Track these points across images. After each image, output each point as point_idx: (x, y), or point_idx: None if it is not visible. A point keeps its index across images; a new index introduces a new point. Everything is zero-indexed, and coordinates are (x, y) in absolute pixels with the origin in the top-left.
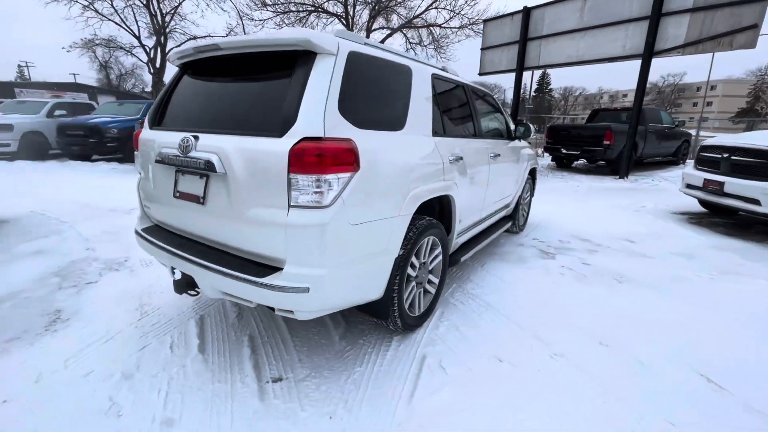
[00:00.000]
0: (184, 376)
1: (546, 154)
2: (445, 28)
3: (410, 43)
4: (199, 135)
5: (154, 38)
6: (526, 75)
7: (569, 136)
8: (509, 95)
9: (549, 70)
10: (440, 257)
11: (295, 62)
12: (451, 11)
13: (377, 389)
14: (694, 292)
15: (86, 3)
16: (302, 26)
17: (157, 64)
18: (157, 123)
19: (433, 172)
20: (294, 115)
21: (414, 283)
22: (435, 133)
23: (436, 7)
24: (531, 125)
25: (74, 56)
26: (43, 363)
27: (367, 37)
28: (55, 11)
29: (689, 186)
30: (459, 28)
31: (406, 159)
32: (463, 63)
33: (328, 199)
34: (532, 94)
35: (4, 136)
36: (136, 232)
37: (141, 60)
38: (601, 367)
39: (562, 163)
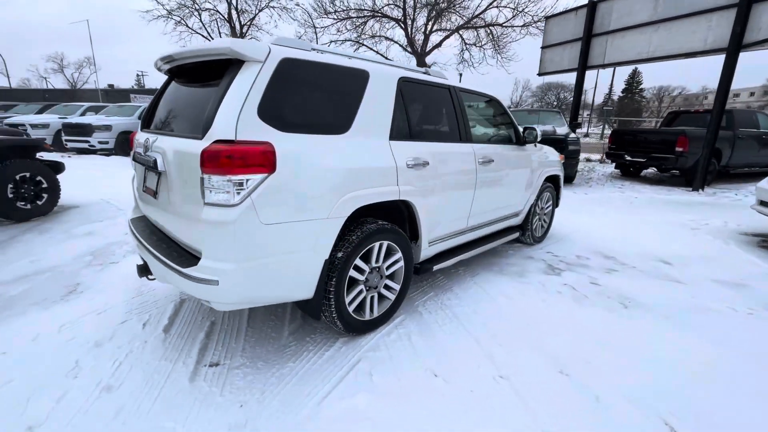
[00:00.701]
0: (141, 351)
1: (609, 161)
2: (506, 27)
3: (466, 44)
4: (158, 136)
5: None
6: (606, 74)
7: (635, 142)
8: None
9: (640, 68)
10: (401, 264)
11: (226, 69)
12: (513, 9)
13: (297, 386)
14: (716, 328)
15: (178, 19)
16: (361, 31)
17: None
18: (146, 125)
19: (379, 176)
20: (212, 119)
21: (362, 287)
22: (394, 137)
23: (497, 6)
24: (537, 129)
25: None
26: (45, 326)
27: (426, 40)
28: (156, 27)
29: (763, 203)
30: (523, 26)
31: (341, 162)
32: (526, 63)
33: (236, 199)
34: (619, 94)
35: (104, 136)
36: (128, 221)
37: None
38: (545, 397)
39: (628, 172)
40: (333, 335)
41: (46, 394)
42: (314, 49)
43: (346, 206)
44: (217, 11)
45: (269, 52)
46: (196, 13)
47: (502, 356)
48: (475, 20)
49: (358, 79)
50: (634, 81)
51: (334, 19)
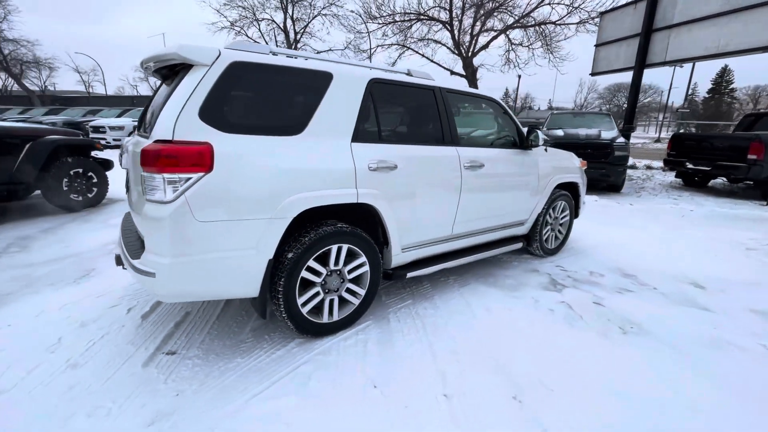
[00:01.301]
0: (116, 334)
1: (668, 169)
2: (560, 25)
3: (512, 44)
4: (133, 137)
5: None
6: (683, 72)
7: (699, 147)
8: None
9: (732, 66)
10: (365, 268)
11: (179, 72)
12: (568, 5)
13: (236, 382)
14: (731, 368)
15: (238, 29)
16: (407, 35)
17: None
18: (138, 127)
19: (333, 178)
20: (157, 120)
21: (319, 290)
22: (359, 139)
23: (549, 3)
24: (540, 132)
25: None
26: (51, 304)
27: (472, 40)
28: (221, 37)
29: None
30: (578, 23)
31: (289, 164)
32: (583, 62)
33: (169, 196)
34: (704, 95)
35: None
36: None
37: None
38: (483, 423)
39: (692, 182)
40: (291, 336)
41: (22, 365)
42: (273, 53)
43: (292, 207)
44: (274, 21)
45: (218, 56)
46: (255, 24)
47: (455, 374)
48: (524, 19)
49: (319, 81)
50: (723, 80)
51: (379, 23)
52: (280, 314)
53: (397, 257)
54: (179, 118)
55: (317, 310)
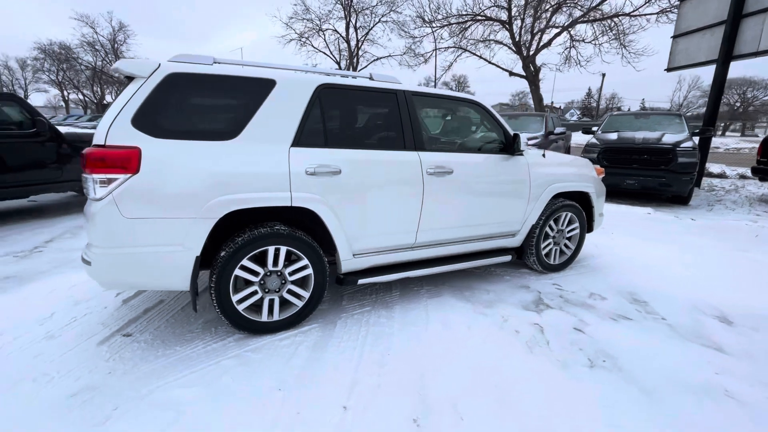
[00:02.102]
0: (96, 314)
1: (756, 178)
2: (636, 17)
3: (574, 40)
4: None
5: (346, 61)
6: None
7: None
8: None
9: None
10: (309, 271)
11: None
12: None
13: (162, 367)
14: (714, 421)
15: (303, 40)
16: (462, 36)
17: None
18: None
19: (265, 182)
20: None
21: (257, 289)
22: (301, 144)
23: None
24: (522, 136)
25: None
26: (65, 284)
27: (532, 39)
28: (289, 48)
29: None
30: (659, 13)
31: (218, 167)
32: (662, 56)
33: (99, 194)
34: None
35: None
36: None
37: None
38: None
39: None
40: (233, 331)
41: (15, 332)
42: (217, 62)
43: (218, 208)
44: (336, 31)
45: (156, 68)
46: (321, 34)
47: (367, 387)
48: (593, 12)
49: (259, 88)
50: None
51: (433, 27)
52: (215, 308)
53: (349, 262)
54: (112, 125)
55: (257, 308)
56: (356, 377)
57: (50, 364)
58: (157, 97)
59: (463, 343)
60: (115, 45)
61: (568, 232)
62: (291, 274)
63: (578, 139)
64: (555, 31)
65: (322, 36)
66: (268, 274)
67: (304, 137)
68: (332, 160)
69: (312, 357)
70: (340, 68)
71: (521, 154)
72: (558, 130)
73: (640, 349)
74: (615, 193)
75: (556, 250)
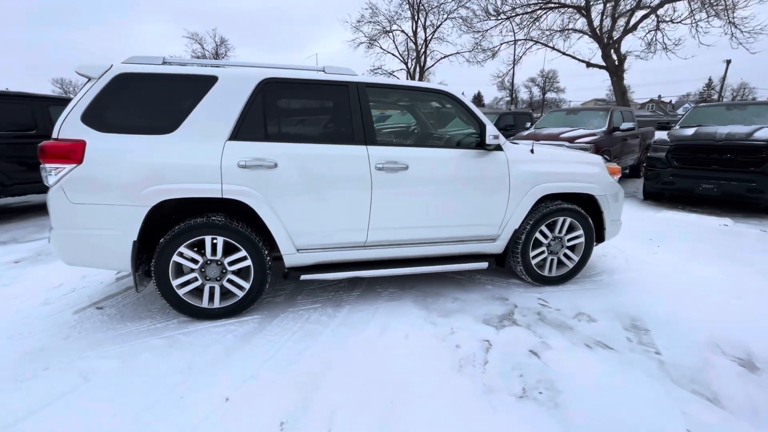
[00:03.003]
0: (92, 288)
1: None
2: None
3: (661, 21)
4: None
5: (413, 61)
6: None
7: None
8: None
9: None
10: (247, 263)
11: None
12: None
13: (104, 340)
14: None
15: (369, 43)
16: (531, 29)
17: None
18: None
19: (198, 174)
20: None
21: (196, 275)
22: (238, 137)
23: None
24: (487, 127)
25: None
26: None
27: (613, 24)
28: (360, 51)
29: None
30: None
31: (153, 159)
32: None
33: (51, 181)
34: None
35: None
36: None
37: None
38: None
39: None
40: (181, 314)
41: (25, 297)
42: (166, 62)
43: (151, 197)
44: (403, 31)
45: (107, 70)
46: (389, 35)
47: (260, 383)
48: None
49: (200, 85)
50: None
51: (499, 19)
52: (163, 292)
53: (293, 257)
54: (64, 121)
55: (200, 294)
56: (258, 371)
57: (30, 325)
58: (105, 95)
59: (387, 351)
60: (217, 58)
61: (569, 240)
62: (230, 264)
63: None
64: (642, 12)
65: (391, 37)
66: (208, 262)
67: (243, 131)
68: (267, 154)
69: (233, 346)
70: (407, 69)
71: (499, 149)
72: (625, 125)
73: (599, 385)
74: (688, 200)
75: (552, 260)
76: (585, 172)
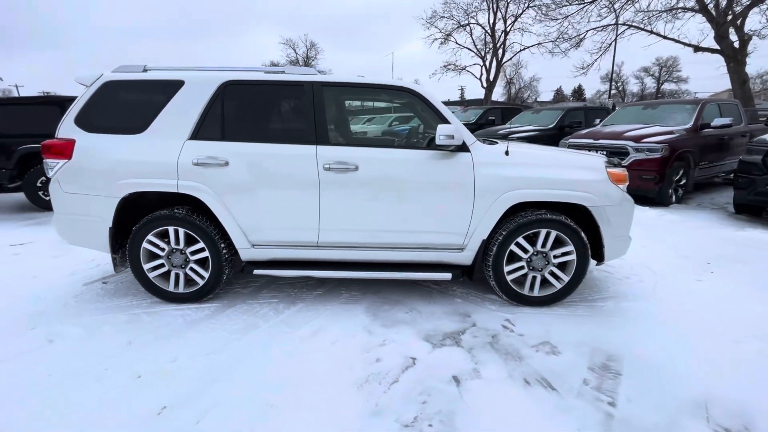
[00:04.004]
0: (104, 267)
1: None
2: None
3: None
4: None
5: (490, 54)
6: None
7: None
8: None
9: None
10: (206, 253)
11: None
12: None
13: (87, 313)
14: None
15: (443, 38)
16: (632, 7)
17: (491, 77)
18: None
19: (158, 170)
20: None
21: (164, 261)
22: (197, 137)
23: None
24: (440, 130)
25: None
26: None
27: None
28: (435, 47)
29: None
30: None
31: (123, 156)
32: None
33: (50, 174)
34: None
35: None
36: None
37: (475, 75)
38: (87, 409)
39: None
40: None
41: (62, 269)
42: (147, 70)
43: (122, 189)
44: (478, 24)
45: (98, 78)
46: (465, 29)
47: (169, 368)
48: None
49: (168, 89)
50: None
51: (580, 3)
52: (136, 275)
53: (247, 252)
54: (62, 122)
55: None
56: (179, 356)
57: (49, 291)
58: (94, 99)
59: (306, 355)
60: (308, 61)
61: (558, 256)
62: (192, 254)
63: None
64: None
65: (468, 31)
66: (173, 251)
67: (202, 131)
68: (220, 153)
69: (178, 329)
70: (484, 62)
71: (463, 150)
72: (719, 122)
73: (505, 422)
74: None
75: (535, 278)
76: (574, 178)
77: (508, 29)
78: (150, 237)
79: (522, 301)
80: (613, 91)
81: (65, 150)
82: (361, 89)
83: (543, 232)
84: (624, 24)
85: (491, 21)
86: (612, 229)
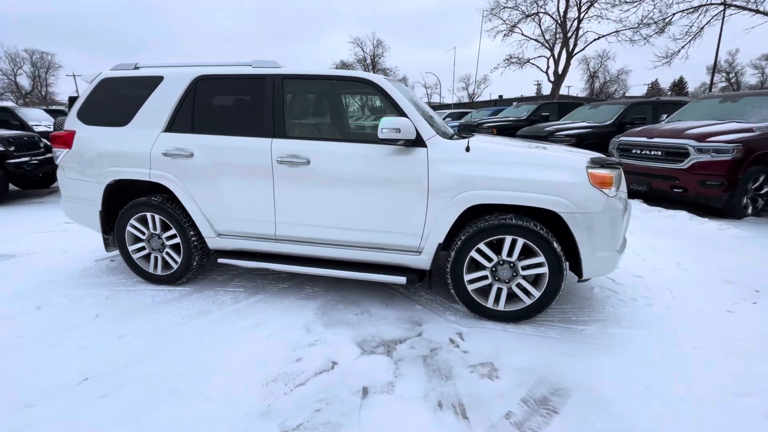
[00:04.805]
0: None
1: None
2: None
3: None
4: None
5: (559, 45)
6: None
7: None
8: None
9: None
10: (177, 240)
11: None
12: None
13: (80, 284)
14: None
15: (506, 30)
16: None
17: (559, 70)
18: None
19: (132, 159)
20: None
21: (144, 245)
22: (171, 129)
23: None
24: (383, 122)
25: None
26: None
27: None
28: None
29: None
30: None
31: (108, 146)
32: None
33: (58, 162)
34: None
35: None
36: None
37: (540, 68)
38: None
39: None
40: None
41: (86, 247)
42: (138, 67)
43: (107, 176)
44: (546, 13)
45: (97, 75)
46: (533, 20)
47: (112, 345)
48: None
49: (150, 84)
50: None
51: None
52: (122, 255)
53: (214, 241)
54: (68, 116)
55: (158, 264)
56: (126, 333)
57: (68, 264)
58: (92, 95)
59: (236, 347)
60: (374, 58)
61: (524, 269)
62: (167, 239)
63: None
64: None
65: (536, 21)
66: (152, 235)
67: (175, 124)
68: (187, 144)
69: (143, 308)
70: (552, 53)
71: (419, 145)
72: None
73: None
74: None
75: (500, 289)
76: (544, 179)
77: (582, 16)
78: (133, 221)
79: (484, 315)
80: (722, 84)
81: (68, 140)
82: (320, 81)
83: (508, 239)
84: (723, 2)
85: (562, 9)
86: (592, 241)
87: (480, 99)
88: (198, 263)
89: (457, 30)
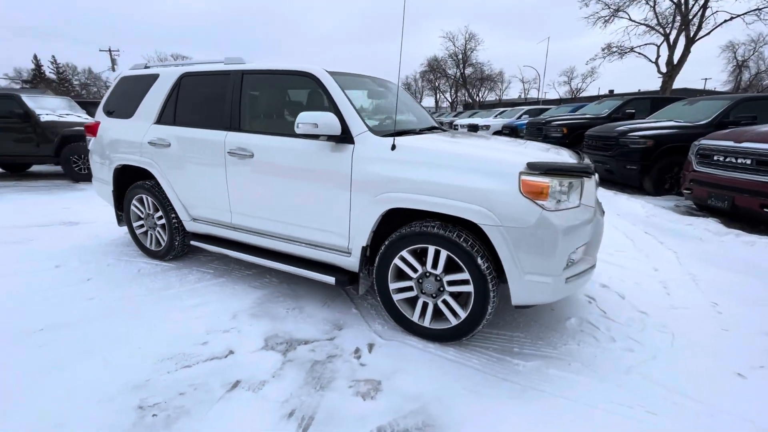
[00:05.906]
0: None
1: None
2: None
3: None
4: None
5: (677, 30)
6: None
7: None
8: None
9: None
10: (163, 221)
11: None
12: None
13: (96, 254)
14: None
15: (607, 17)
16: None
17: (674, 60)
18: None
19: (130, 147)
20: None
21: (143, 223)
22: (161, 122)
23: None
24: (301, 117)
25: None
26: None
27: None
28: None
29: None
30: None
31: (116, 135)
32: None
33: (89, 147)
34: None
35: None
36: None
37: (648, 59)
38: None
39: None
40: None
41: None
42: (147, 67)
43: (115, 161)
44: None
45: (119, 74)
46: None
47: (88, 305)
48: None
49: (150, 81)
50: None
51: None
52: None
53: (189, 224)
54: (98, 110)
55: (152, 240)
56: (98, 294)
57: (109, 234)
58: (114, 91)
59: (163, 323)
60: (466, 52)
61: (450, 284)
62: (157, 219)
63: None
64: None
65: (651, 3)
66: (148, 215)
67: (163, 117)
68: (166, 135)
69: (125, 278)
70: (668, 40)
71: (346, 141)
72: None
73: None
74: None
75: (426, 303)
76: (466, 185)
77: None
78: (134, 201)
79: (409, 329)
80: None
81: (93, 130)
82: (270, 75)
83: (431, 249)
84: None
85: None
86: (520, 261)
87: (584, 95)
88: (180, 243)
89: (559, 20)
